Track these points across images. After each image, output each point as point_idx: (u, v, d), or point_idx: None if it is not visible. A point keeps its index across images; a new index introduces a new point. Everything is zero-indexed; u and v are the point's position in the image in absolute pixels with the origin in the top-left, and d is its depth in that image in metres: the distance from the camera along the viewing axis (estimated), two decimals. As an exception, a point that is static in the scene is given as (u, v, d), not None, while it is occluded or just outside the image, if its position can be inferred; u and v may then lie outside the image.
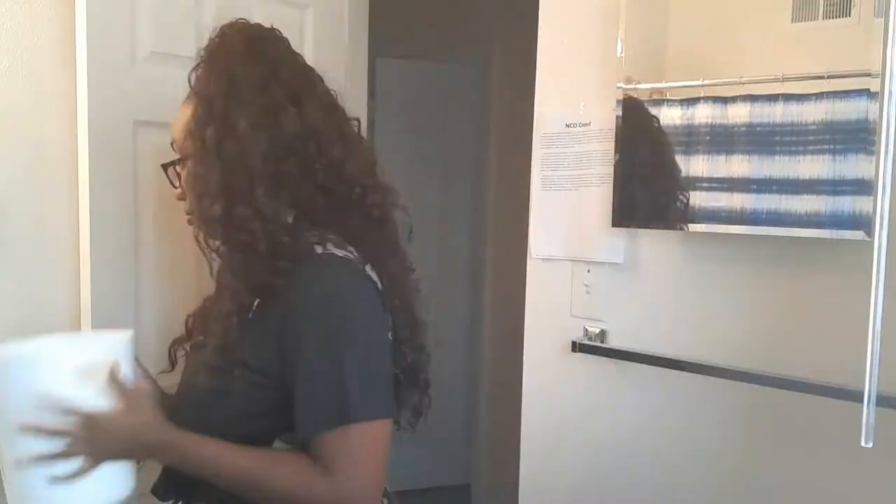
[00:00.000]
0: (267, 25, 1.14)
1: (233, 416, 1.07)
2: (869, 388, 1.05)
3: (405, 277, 1.21)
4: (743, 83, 1.29)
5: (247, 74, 1.05)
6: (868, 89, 1.17)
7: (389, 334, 1.11)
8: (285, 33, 1.16)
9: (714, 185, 1.32)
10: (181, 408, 1.12)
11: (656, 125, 1.40)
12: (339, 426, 0.98)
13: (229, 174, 1.03)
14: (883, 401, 1.12)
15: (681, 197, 1.38)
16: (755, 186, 1.28)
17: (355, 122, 1.16)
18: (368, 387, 1.01)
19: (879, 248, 1.04)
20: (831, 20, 1.26)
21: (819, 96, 1.21)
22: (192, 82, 1.11)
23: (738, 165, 1.29)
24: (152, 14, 1.56)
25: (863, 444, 1.07)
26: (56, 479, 0.99)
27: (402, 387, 1.16)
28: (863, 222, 1.18)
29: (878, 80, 1.15)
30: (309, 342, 1.01)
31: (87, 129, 1.48)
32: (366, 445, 1.00)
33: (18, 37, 1.45)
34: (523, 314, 1.71)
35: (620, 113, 1.44)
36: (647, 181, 1.44)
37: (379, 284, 1.10)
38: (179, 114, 1.14)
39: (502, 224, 3.14)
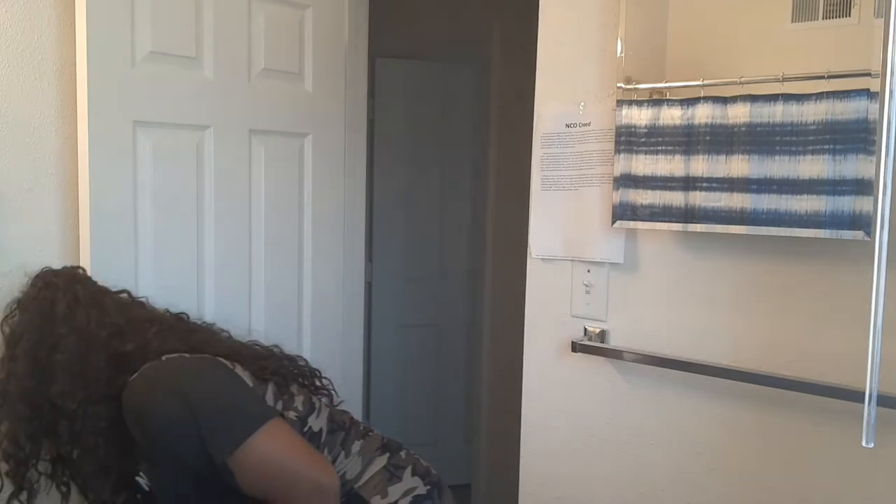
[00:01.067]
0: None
1: None
2: (870, 388, 1.05)
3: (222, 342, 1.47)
4: (743, 83, 1.29)
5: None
6: (868, 89, 1.17)
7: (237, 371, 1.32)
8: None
9: (714, 185, 1.32)
10: None
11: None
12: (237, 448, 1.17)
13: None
14: (884, 400, 1.12)
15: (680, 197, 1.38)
16: (755, 186, 1.28)
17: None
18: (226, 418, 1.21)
19: (880, 247, 1.04)
20: (831, 20, 1.26)
21: (819, 96, 1.21)
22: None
23: (738, 165, 1.29)
24: (152, 14, 1.57)
25: (864, 444, 1.07)
26: None
27: (289, 384, 1.39)
28: (863, 222, 1.18)
29: (878, 80, 1.15)
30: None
31: (87, 129, 1.48)
32: (269, 454, 1.18)
33: (18, 37, 1.45)
34: (523, 314, 1.71)
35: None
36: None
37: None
38: None
39: (502, 224, 3.14)
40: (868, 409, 1.06)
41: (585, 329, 1.59)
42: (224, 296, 1.77)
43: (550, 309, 1.65)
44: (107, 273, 1.52)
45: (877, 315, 1.04)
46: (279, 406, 1.31)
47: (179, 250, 1.68)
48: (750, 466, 1.39)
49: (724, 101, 1.30)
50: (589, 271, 1.59)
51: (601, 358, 1.56)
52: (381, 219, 3.39)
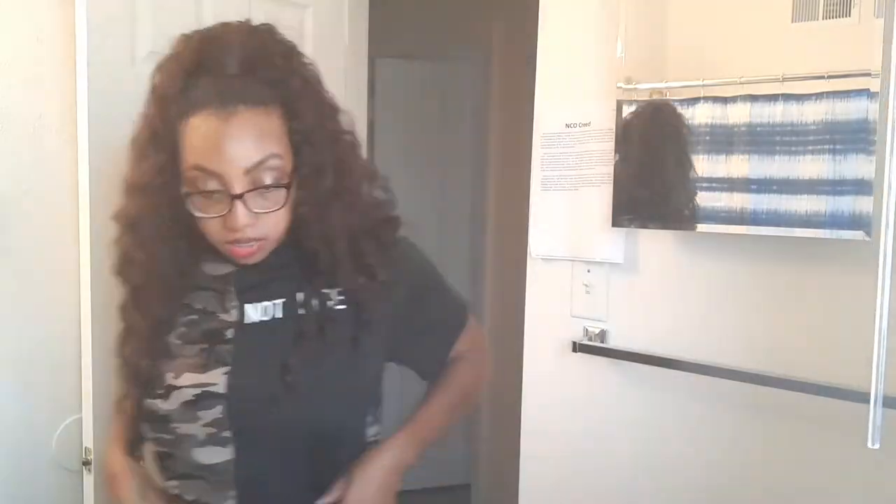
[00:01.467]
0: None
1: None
2: (875, 389, 1.05)
3: None
4: (743, 83, 1.29)
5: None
6: (868, 89, 1.17)
7: None
8: (285, 33, 1.16)
9: (714, 185, 1.32)
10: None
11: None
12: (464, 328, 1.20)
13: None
14: (890, 401, 1.12)
15: (683, 197, 1.38)
16: (755, 186, 1.28)
17: None
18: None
19: (884, 247, 1.04)
20: (831, 20, 1.26)
21: (819, 96, 1.21)
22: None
23: (738, 165, 1.29)
24: (152, 14, 1.56)
25: (869, 445, 1.06)
26: None
27: None
28: (863, 222, 1.18)
29: (878, 80, 1.15)
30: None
31: (87, 130, 1.48)
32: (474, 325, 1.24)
33: (18, 37, 1.45)
34: (523, 314, 1.71)
35: (628, 112, 1.44)
36: (647, 181, 1.44)
37: None
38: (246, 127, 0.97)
39: (502, 224, 3.14)
40: (874, 411, 1.05)
41: (585, 329, 1.59)
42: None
43: (550, 309, 1.65)
44: (106, 275, 1.52)
45: (882, 317, 1.03)
46: None
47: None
48: (752, 466, 1.39)
49: (724, 101, 1.30)
50: (589, 271, 1.59)
51: (601, 358, 1.56)
52: (380, 219, 3.38)
